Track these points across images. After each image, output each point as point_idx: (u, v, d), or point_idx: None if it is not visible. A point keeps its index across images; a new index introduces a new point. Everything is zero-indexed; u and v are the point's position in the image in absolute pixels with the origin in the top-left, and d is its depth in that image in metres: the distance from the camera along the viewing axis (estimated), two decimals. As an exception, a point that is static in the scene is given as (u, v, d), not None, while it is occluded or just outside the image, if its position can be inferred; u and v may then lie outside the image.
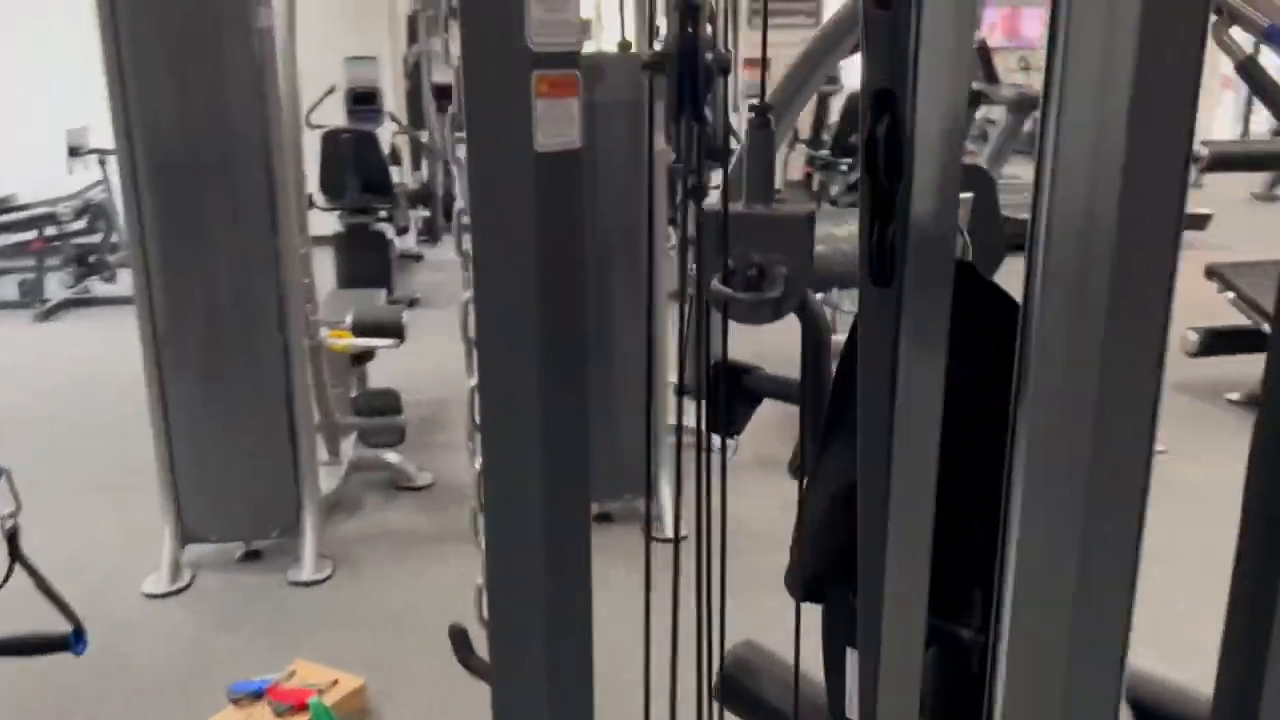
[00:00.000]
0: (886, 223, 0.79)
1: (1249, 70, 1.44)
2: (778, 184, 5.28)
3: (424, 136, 8.09)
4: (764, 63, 1.06)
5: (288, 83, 3.50)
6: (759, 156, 1.04)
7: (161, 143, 3.24)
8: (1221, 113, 12.47)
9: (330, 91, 6.81)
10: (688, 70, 0.87)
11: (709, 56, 0.93)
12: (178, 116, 3.21)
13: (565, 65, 0.76)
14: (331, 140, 6.62)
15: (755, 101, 1.05)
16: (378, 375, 4.53)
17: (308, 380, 3.57)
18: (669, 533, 3.12)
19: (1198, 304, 4.06)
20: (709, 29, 0.89)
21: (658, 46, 0.93)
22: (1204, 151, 4.98)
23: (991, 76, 6.39)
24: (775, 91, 3.63)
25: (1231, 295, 4.83)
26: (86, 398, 5.19)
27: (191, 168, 3.24)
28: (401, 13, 8.66)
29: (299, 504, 3.50)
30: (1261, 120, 11.96)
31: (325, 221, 6.67)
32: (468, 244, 0.98)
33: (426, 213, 8.18)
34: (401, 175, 8.06)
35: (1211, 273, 4.93)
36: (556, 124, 0.78)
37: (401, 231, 7.40)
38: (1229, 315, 4.81)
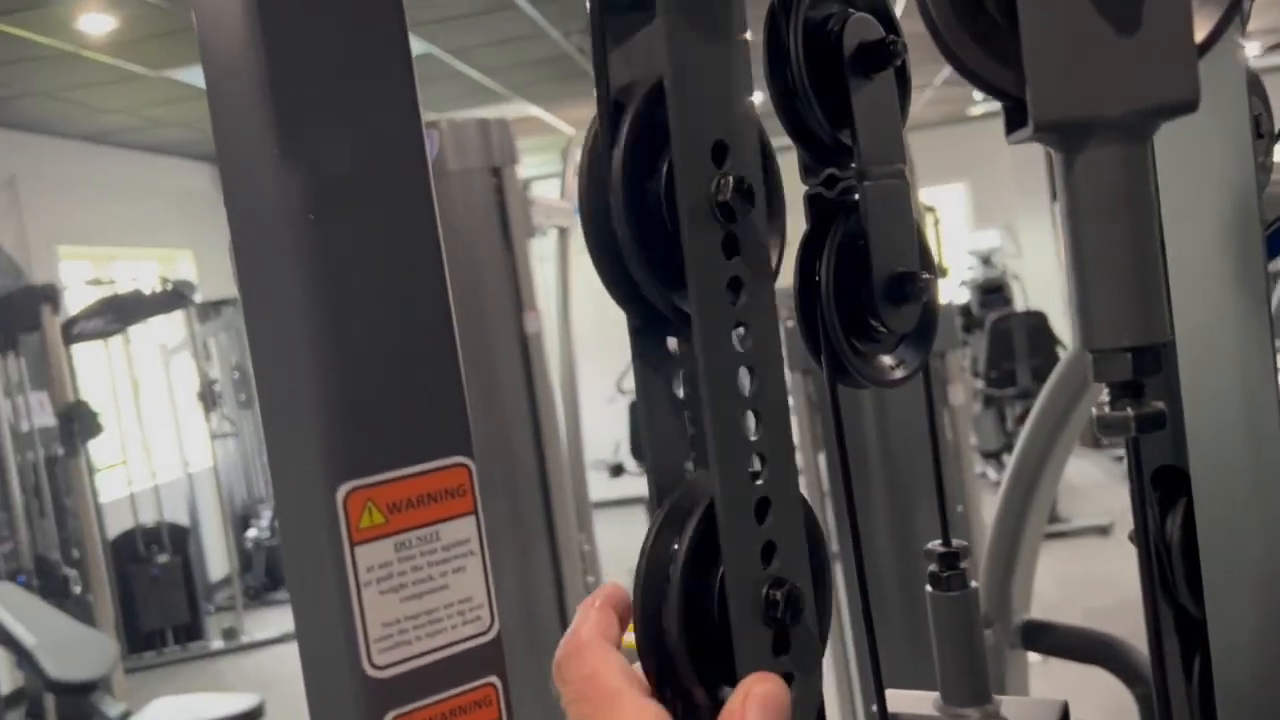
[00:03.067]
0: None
1: None
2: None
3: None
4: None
5: (566, 386, 3.48)
6: (954, 628, 0.67)
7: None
8: None
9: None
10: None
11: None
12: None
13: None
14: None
15: (939, 547, 0.69)
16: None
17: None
18: None
19: None
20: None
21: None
22: None
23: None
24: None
25: None
26: None
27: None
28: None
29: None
30: None
31: (639, 485, 6.67)
32: None
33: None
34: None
35: None
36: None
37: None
38: None
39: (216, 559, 7.21)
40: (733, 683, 0.46)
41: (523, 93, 7.00)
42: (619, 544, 5.78)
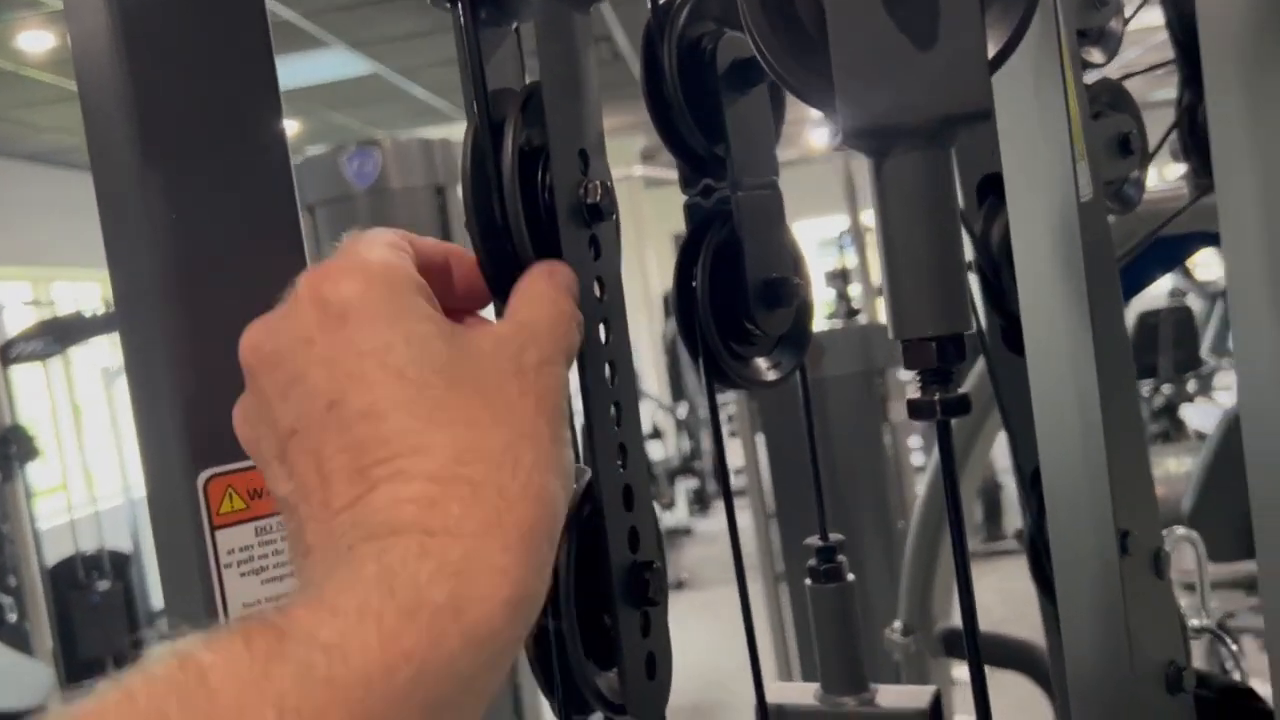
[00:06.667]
0: None
1: None
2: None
3: (682, 409, 8.10)
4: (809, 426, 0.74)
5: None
6: (833, 619, 0.70)
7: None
8: None
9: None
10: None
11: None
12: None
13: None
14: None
15: (817, 541, 0.72)
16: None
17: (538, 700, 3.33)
18: None
19: None
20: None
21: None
22: None
23: None
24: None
25: None
26: None
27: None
28: (656, 294, 8.94)
29: None
30: None
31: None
32: None
33: (695, 483, 8.05)
34: (664, 449, 8.04)
35: None
36: None
37: (667, 507, 7.27)
38: None
39: (159, 586, 7.09)
40: (613, 665, 0.48)
41: (472, 114, 7.02)
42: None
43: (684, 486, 7.99)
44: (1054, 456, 0.74)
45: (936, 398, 0.41)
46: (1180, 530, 0.89)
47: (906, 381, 4.64)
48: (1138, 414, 0.79)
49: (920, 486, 1.78)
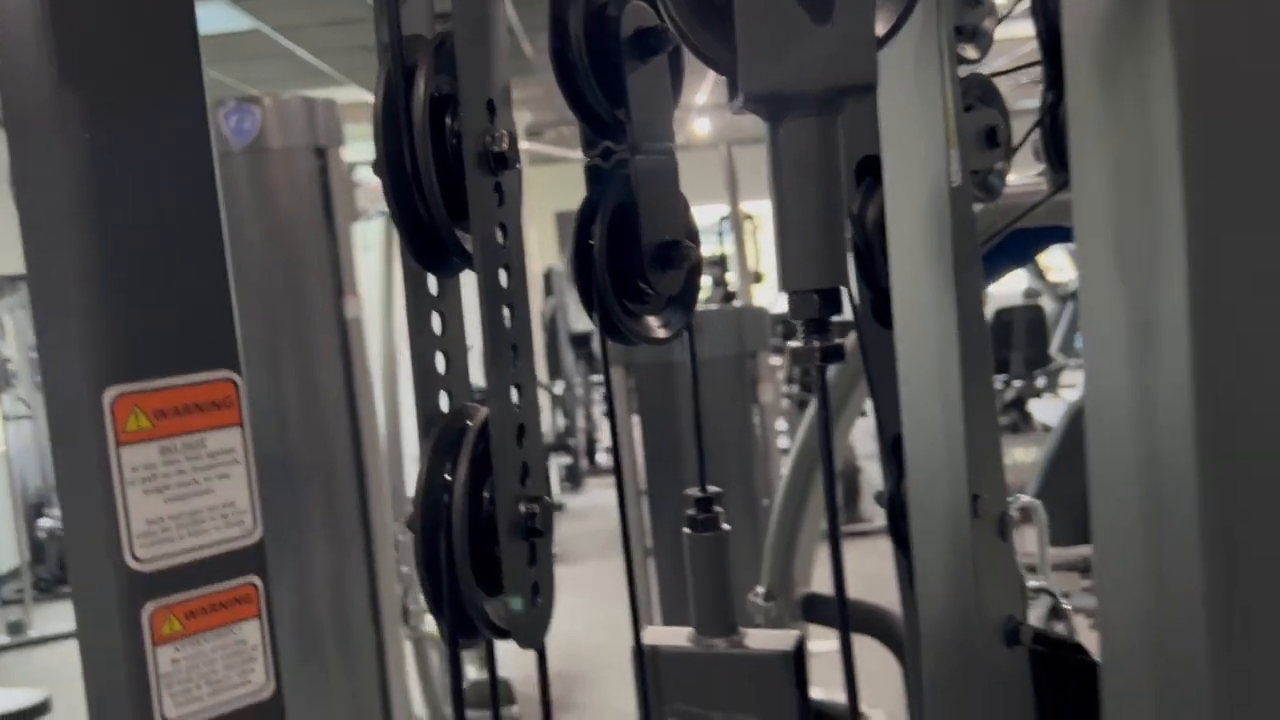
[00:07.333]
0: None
1: None
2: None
3: (559, 387, 8.11)
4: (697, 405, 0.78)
5: (387, 375, 3.45)
6: (707, 566, 0.74)
7: (257, 435, 3.19)
8: None
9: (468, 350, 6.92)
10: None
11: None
12: (273, 409, 3.16)
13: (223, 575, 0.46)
14: (465, 400, 6.66)
15: (696, 493, 0.76)
16: (505, 655, 4.24)
17: (405, 675, 3.32)
18: None
19: None
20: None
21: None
22: None
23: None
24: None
25: None
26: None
27: (284, 461, 3.16)
28: (538, 270, 8.91)
29: (396, 819, 3.17)
30: None
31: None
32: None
33: (568, 460, 8.08)
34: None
35: None
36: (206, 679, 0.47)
37: (540, 483, 7.26)
38: None
39: (5, 549, 6.75)
40: (500, 591, 0.51)
41: (355, 78, 6.86)
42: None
43: (557, 463, 8.01)
44: (916, 424, 0.79)
45: (816, 345, 0.45)
46: (1025, 498, 0.96)
47: (777, 366, 4.76)
48: (992, 389, 0.85)
49: (785, 468, 1.85)
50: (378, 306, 3.58)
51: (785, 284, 0.45)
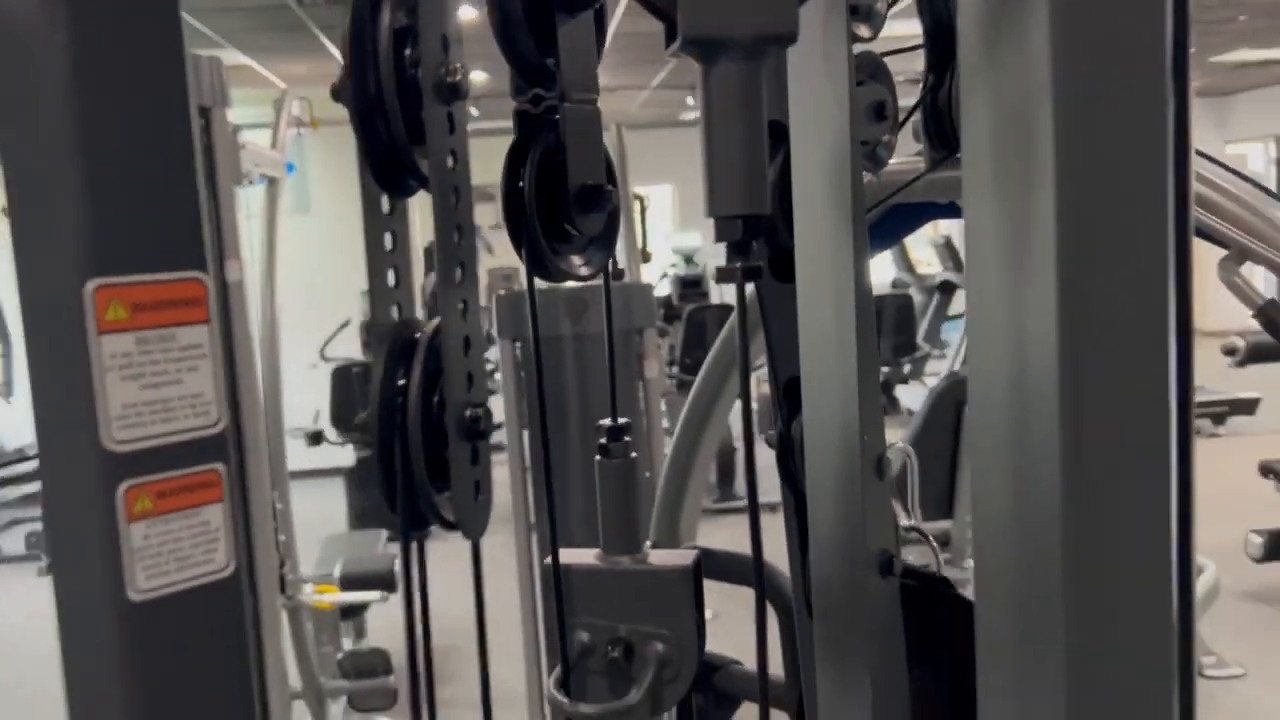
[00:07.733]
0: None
1: (1270, 316, 1.17)
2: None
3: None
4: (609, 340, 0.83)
5: (266, 340, 3.39)
6: (616, 491, 0.80)
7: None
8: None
9: (344, 325, 6.81)
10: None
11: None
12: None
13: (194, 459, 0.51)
14: (343, 374, 6.56)
15: (609, 423, 0.82)
16: (378, 625, 4.22)
17: (280, 645, 3.28)
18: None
19: (1255, 500, 3.68)
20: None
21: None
22: (1240, 344, 4.71)
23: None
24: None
25: (1292, 495, 4.44)
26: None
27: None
28: (419, 244, 8.80)
29: (269, 789, 3.14)
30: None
31: (339, 455, 6.53)
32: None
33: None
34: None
35: (1268, 470, 4.56)
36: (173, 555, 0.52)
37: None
38: (1292, 516, 4.40)
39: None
40: (447, 487, 0.55)
41: (234, 40, 6.66)
42: (315, 513, 5.61)
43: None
44: (813, 368, 0.87)
45: (738, 265, 0.51)
46: (899, 444, 1.05)
47: (660, 344, 4.84)
48: (875, 342, 0.93)
49: (668, 448, 1.92)
50: (259, 273, 3.51)
51: (712, 210, 0.51)
